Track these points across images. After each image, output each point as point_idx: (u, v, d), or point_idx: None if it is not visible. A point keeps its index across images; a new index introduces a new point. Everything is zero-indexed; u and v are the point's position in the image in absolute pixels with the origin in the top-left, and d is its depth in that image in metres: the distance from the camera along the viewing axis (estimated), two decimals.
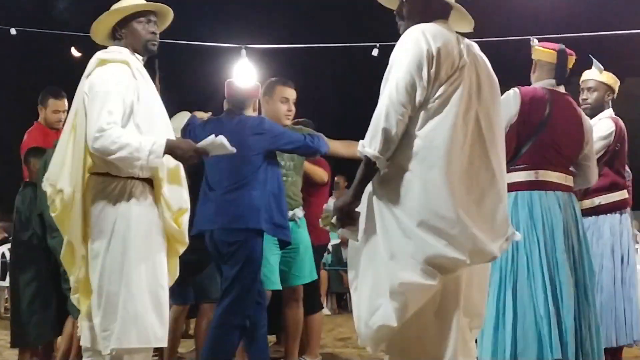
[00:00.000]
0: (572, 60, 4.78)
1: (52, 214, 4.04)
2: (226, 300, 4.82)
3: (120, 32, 4.11)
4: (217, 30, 11.25)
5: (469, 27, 3.52)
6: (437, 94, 3.23)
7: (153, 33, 4.15)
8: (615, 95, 5.73)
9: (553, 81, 4.69)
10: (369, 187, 3.33)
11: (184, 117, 5.42)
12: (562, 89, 4.72)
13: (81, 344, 4.12)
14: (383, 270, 3.25)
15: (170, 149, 3.89)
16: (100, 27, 4.12)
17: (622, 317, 5.33)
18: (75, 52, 10.43)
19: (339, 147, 5.49)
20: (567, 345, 4.29)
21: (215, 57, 10.95)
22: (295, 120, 5.91)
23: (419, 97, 3.21)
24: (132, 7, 4.11)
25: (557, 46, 4.74)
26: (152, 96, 4.08)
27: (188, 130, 5.07)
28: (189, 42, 9.80)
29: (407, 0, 3.46)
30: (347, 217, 3.33)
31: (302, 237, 5.58)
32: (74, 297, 4.08)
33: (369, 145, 3.21)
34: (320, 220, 3.46)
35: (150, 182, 4.03)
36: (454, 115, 3.22)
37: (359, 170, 3.28)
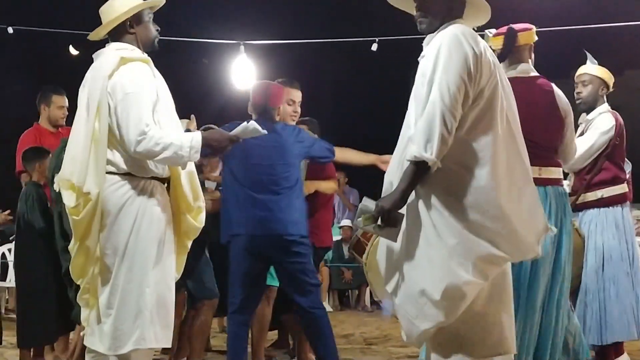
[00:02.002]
0: (531, 35, 4.64)
1: (75, 217, 3.90)
2: (315, 293, 5.14)
3: (133, 27, 4.06)
4: (215, 26, 11.21)
5: (482, 20, 3.58)
6: (480, 96, 3.30)
7: (157, 30, 4.16)
8: (609, 89, 5.72)
9: (521, 65, 4.57)
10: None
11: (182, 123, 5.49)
12: (531, 70, 4.60)
13: (86, 344, 4.09)
14: (431, 271, 3.29)
15: (207, 142, 3.91)
16: (114, 20, 4.03)
17: (631, 311, 5.33)
18: (72, 51, 10.42)
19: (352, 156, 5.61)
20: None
21: (214, 53, 10.94)
22: (301, 119, 5.94)
23: (467, 99, 3.27)
24: (152, 1, 4.10)
25: (505, 28, 4.63)
26: (168, 94, 4.08)
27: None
28: (187, 39, 9.77)
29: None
30: (392, 218, 3.31)
31: None
32: (82, 298, 4.03)
33: (425, 150, 3.22)
34: (360, 220, 3.39)
35: (166, 182, 4.03)
36: (495, 115, 3.32)
37: (408, 174, 3.28)
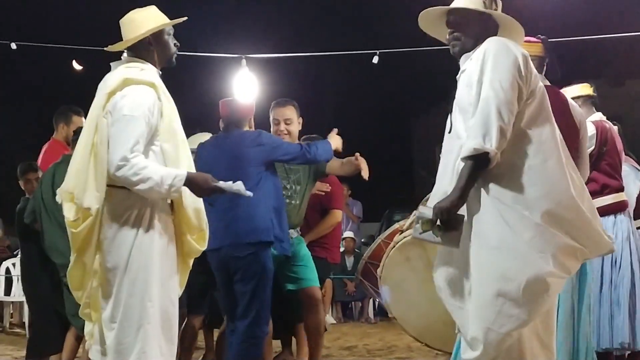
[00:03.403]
0: (539, 47, 4.62)
1: (73, 230, 3.86)
2: (250, 315, 4.87)
3: (152, 45, 4.02)
4: (217, 40, 11.27)
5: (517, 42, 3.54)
6: (533, 95, 3.32)
7: (176, 45, 4.15)
8: (586, 97, 5.67)
9: (542, 76, 4.62)
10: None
11: (201, 137, 5.51)
12: (545, 80, 4.66)
13: (91, 357, 4.09)
14: (507, 268, 3.18)
15: (189, 183, 3.85)
16: (134, 38, 3.99)
17: (606, 321, 5.32)
18: (76, 66, 10.46)
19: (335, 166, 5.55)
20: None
21: (216, 67, 10.98)
22: (306, 136, 5.98)
23: (521, 95, 3.27)
24: (170, 20, 4.07)
25: (538, 37, 4.65)
26: (175, 116, 4.01)
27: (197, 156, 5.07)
28: (189, 53, 9.82)
29: (464, 21, 3.49)
30: (453, 220, 3.20)
31: (301, 247, 5.58)
32: (84, 313, 4.04)
33: (484, 142, 3.15)
34: (418, 226, 3.26)
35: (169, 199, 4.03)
36: (550, 114, 3.35)
37: (467, 170, 3.19)
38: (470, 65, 3.40)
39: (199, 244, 4.10)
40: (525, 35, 4.18)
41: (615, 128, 5.65)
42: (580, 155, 4.64)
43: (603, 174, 5.42)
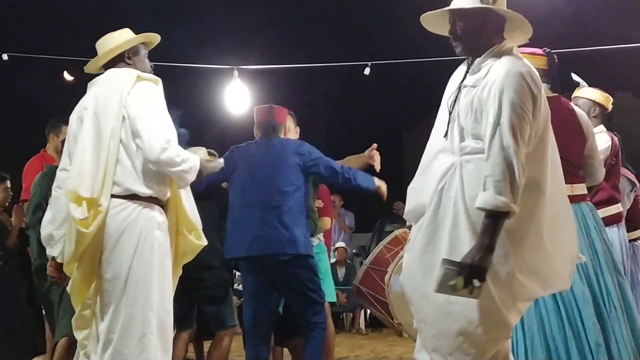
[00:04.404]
0: (544, 60, 4.72)
1: (83, 230, 3.84)
2: (313, 307, 5.08)
3: (130, 58, 4.17)
4: (208, 51, 11.27)
5: (526, 36, 3.51)
6: (537, 132, 3.29)
7: (151, 66, 4.31)
8: (605, 109, 5.74)
9: (546, 86, 4.65)
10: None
11: (196, 152, 5.53)
12: (549, 92, 4.69)
13: None
14: (473, 314, 3.24)
15: (200, 169, 4.07)
16: (114, 50, 4.14)
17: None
18: (67, 76, 10.44)
19: None
20: None
21: (208, 78, 10.98)
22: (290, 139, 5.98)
23: (529, 140, 3.25)
24: (152, 35, 4.26)
25: (543, 50, 4.68)
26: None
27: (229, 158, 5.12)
28: (180, 64, 9.82)
29: (462, 19, 3.44)
30: (482, 275, 3.12)
31: (320, 258, 5.62)
32: (81, 315, 4.02)
33: (512, 200, 3.12)
34: (454, 284, 3.12)
35: (164, 207, 4.06)
36: (547, 148, 3.34)
37: (491, 225, 3.13)
38: (483, 88, 3.31)
39: (198, 239, 4.15)
40: (529, 46, 4.20)
41: (616, 139, 5.71)
42: (591, 159, 4.70)
43: (611, 186, 5.49)
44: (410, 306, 3.51)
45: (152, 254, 3.92)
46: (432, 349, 3.37)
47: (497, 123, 3.20)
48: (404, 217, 3.67)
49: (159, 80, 4.10)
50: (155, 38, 4.29)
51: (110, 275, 3.89)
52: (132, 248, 3.89)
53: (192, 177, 3.99)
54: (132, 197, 3.93)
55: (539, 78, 3.35)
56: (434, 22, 3.57)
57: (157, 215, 3.99)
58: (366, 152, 5.68)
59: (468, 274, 3.10)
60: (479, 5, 3.40)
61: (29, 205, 5.86)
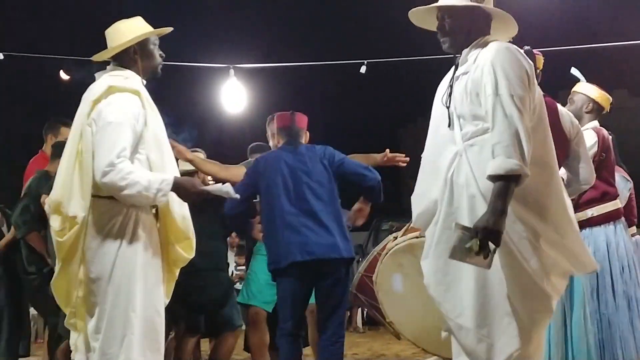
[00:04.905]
0: (540, 60, 4.72)
1: (59, 239, 3.84)
2: (339, 319, 4.99)
3: (137, 54, 4.02)
4: (204, 50, 11.27)
5: (510, 34, 3.55)
6: (534, 107, 3.31)
7: (161, 56, 4.15)
8: (600, 107, 5.71)
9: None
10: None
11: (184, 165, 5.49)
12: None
13: None
14: (512, 294, 3.21)
15: (176, 187, 3.85)
16: (119, 46, 3.99)
17: (627, 331, 5.28)
18: (63, 76, 10.43)
19: (215, 169, 5.53)
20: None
21: (204, 77, 10.97)
22: (255, 144, 6.01)
23: (530, 110, 3.27)
24: (156, 29, 4.07)
25: (523, 49, 4.68)
26: (160, 125, 4.01)
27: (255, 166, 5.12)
28: (176, 63, 9.81)
29: (451, 16, 3.46)
30: (496, 238, 3.11)
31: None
32: (69, 323, 4.02)
33: (522, 162, 3.12)
34: (470, 246, 3.11)
35: (154, 209, 4.01)
36: (547, 128, 3.35)
37: (503, 189, 3.12)
38: (474, 71, 3.35)
39: (186, 252, 4.08)
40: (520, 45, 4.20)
41: (610, 138, 5.66)
42: (576, 159, 4.67)
43: (603, 181, 5.38)
44: (440, 309, 3.44)
45: (135, 255, 3.88)
46: (478, 340, 3.29)
47: (496, 94, 3.22)
48: (413, 224, 3.64)
49: (139, 91, 3.93)
50: (165, 30, 4.15)
51: (94, 275, 3.88)
52: (115, 248, 3.86)
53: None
54: (115, 198, 3.90)
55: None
56: (422, 18, 3.59)
57: (142, 215, 3.95)
58: (380, 157, 5.63)
59: (484, 237, 3.07)
60: (469, 3, 3.44)
61: (17, 205, 5.88)
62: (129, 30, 4.00)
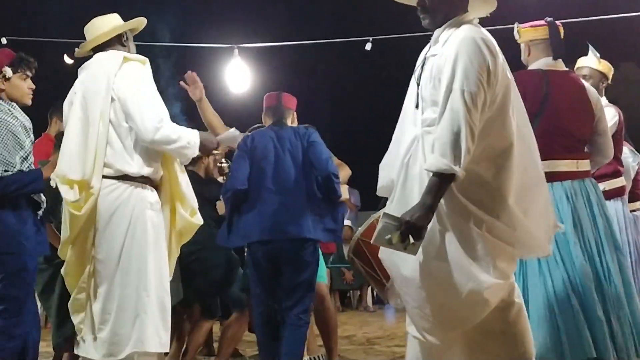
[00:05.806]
0: (561, 32, 4.71)
1: (76, 212, 3.87)
2: (307, 301, 5.02)
3: (128, 39, 4.23)
4: (209, 30, 11.21)
5: (488, 9, 3.53)
6: (494, 100, 3.27)
7: None
8: (609, 82, 5.72)
9: (549, 59, 4.61)
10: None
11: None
12: (561, 65, 4.64)
13: (77, 353, 4.07)
14: (450, 282, 3.24)
15: (202, 141, 4.10)
16: (111, 32, 4.16)
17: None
18: (67, 60, 10.40)
19: (216, 123, 5.48)
20: (599, 342, 4.24)
21: (208, 57, 10.93)
22: (256, 125, 5.99)
23: (484, 106, 3.24)
24: (142, 20, 4.30)
25: (545, 20, 4.64)
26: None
27: (244, 143, 5.09)
28: (180, 44, 9.76)
29: None
30: (418, 233, 3.17)
31: None
32: (76, 299, 4.00)
33: (454, 162, 3.13)
34: (389, 238, 3.20)
35: (157, 187, 4.07)
36: (507, 118, 3.30)
37: (435, 187, 3.16)
38: (440, 56, 3.35)
39: (194, 217, 4.15)
40: (518, 17, 4.15)
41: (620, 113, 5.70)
42: (600, 135, 4.70)
43: (615, 159, 5.44)
44: (396, 286, 3.55)
45: (145, 233, 3.92)
46: (421, 316, 3.38)
47: (449, 89, 3.22)
48: (377, 193, 3.69)
49: (146, 60, 4.12)
50: (141, 24, 4.32)
51: (102, 256, 3.90)
52: (124, 228, 3.89)
53: (192, 152, 4.02)
54: (124, 177, 3.94)
55: (496, 46, 3.33)
56: None
57: (149, 195, 4.00)
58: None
59: (404, 230, 3.15)
60: None
61: None
62: (113, 21, 4.19)
